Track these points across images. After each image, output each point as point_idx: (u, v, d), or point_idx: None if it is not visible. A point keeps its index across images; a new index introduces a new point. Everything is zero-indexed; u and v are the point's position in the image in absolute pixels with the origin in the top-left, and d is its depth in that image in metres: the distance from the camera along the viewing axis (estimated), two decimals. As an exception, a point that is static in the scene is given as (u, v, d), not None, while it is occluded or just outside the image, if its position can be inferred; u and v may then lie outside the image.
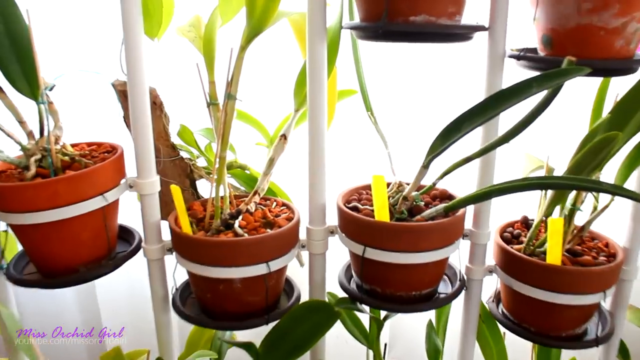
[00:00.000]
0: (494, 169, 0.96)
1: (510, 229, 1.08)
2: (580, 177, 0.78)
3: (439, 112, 1.31)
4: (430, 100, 1.33)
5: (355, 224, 0.92)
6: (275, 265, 0.92)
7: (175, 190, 0.90)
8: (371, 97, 1.04)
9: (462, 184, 1.10)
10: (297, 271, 1.08)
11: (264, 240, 0.90)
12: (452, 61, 1.30)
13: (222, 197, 0.94)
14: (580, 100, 1.11)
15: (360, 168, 1.34)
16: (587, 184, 0.77)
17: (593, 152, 0.84)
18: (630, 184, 0.98)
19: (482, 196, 0.87)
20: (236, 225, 0.92)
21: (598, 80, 1.03)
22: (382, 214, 0.89)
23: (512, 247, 1.00)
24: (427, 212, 0.93)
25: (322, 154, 0.94)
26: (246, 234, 0.91)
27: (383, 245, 0.90)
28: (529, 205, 1.08)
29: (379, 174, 0.90)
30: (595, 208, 1.01)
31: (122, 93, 0.94)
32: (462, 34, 0.85)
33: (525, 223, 1.10)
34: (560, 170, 1.06)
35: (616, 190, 0.74)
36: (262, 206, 1.02)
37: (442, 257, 0.92)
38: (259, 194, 0.99)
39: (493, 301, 1.10)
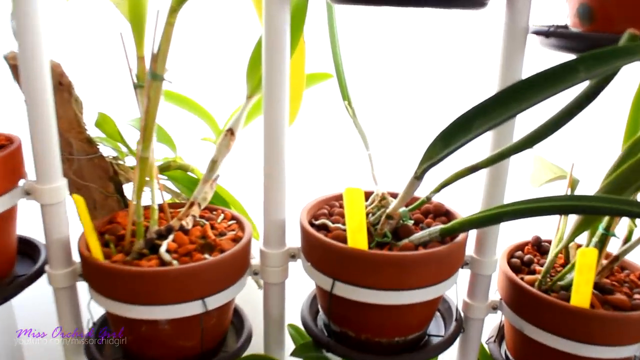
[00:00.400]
0: (506, 182, 0.74)
1: (520, 252, 0.86)
2: (633, 200, 0.56)
3: (438, 105, 1.07)
4: (427, 89, 1.08)
5: (322, 250, 0.70)
6: (214, 302, 0.70)
7: (78, 200, 0.66)
8: (351, 83, 0.81)
9: (461, 195, 0.87)
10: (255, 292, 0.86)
11: (198, 271, 0.67)
12: (458, 39, 1.06)
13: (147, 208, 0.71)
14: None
15: (334, 174, 1.10)
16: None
17: (645, 163, 0.63)
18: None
19: (490, 219, 0.65)
20: (162, 249, 0.68)
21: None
22: (357, 239, 0.66)
23: (523, 279, 0.78)
24: (418, 235, 0.70)
25: (280, 155, 0.71)
26: (175, 261, 0.68)
27: (358, 279, 0.67)
28: (540, 220, 0.86)
29: (356, 184, 0.68)
30: (631, 232, 0.79)
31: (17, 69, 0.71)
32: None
33: (538, 245, 0.88)
34: (586, 182, 0.84)
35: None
36: (204, 220, 0.79)
37: (435, 296, 0.70)
38: (198, 206, 0.76)
39: (495, 341, 0.88)
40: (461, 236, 0.70)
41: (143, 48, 0.68)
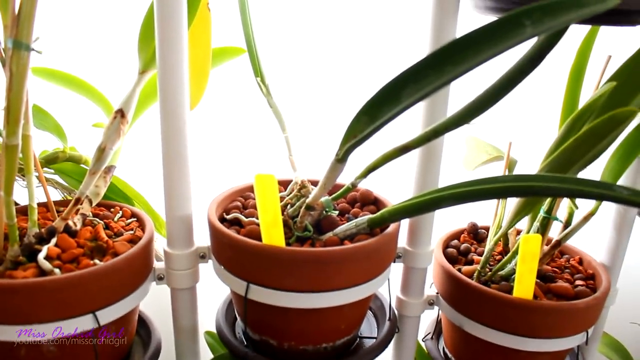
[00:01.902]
0: (440, 164, 0.66)
1: (455, 241, 0.79)
2: (591, 180, 0.49)
3: (366, 79, 0.98)
4: (352, 60, 0.99)
5: (233, 249, 0.60)
6: (109, 315, 0.59)
7: None
8: (265, 57, 0.71)
9: (392, 181, 0.79)
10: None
11: (85, 280, 0.56)
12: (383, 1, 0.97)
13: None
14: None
15: (250, 160, 1.00)
16: (602, 191, 0.47)
17: (591, 137, 0.56)
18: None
19: (425, 206, 0.57)
20: (41, 255, 0.57)
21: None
22: (272, 234, 0.57)
23: (460, 271, 0.71)
24: (343, 227, 0.62)
25: (181, 141, 0.61)
26: (57, 269, 0.56)
27: (275, 281, 0.58)
28: (475, 205, 0.78)
29: (269, 170, 0.58)
30: (571, 215, 0.73)
31: None
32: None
33: (475, 232, 0.82)
34: (524, 162, 0.78)
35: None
36: (98, 219, 0.68)
37: (364, 296, 0.62)
38: (89, 202, 0.65)
39: (432, 338, 0.81)
40: (392, 227, 0.62)
41: (8, 15, 0.56)
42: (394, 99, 0.47)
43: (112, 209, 0.72)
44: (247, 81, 0.72)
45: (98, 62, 0.87)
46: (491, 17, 0.59)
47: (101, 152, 0.60)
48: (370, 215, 0.61)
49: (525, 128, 0.99)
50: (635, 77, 0.59)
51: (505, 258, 0.69)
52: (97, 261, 0.59)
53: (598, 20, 0.58)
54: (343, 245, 0.58)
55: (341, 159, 0.54)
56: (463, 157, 0.88)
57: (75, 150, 0.78)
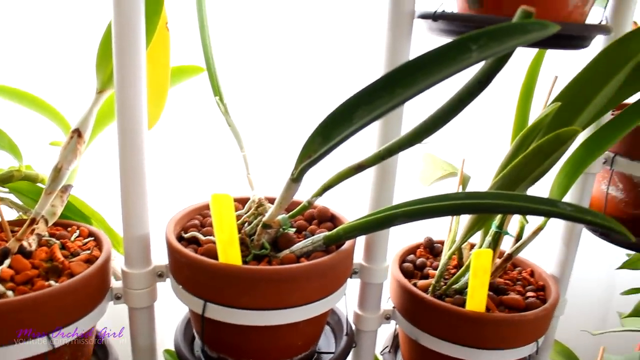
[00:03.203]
0: (395, 181, 0.67)
1: (412, 256, 0.81)
2: (537, 197, 0.51)
3: (323, 99, 1.00)
4: (310, 80, 1.01)
5: (190, 268, 0.60)
6: (63, 338, 0.58)
7: None
8: (224, 77, 0.72)
9: (349, 198, 0.81)
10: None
11: (38, 301, 0.55)
12: (342, 25, 0.99)
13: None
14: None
15: (210, 179, 1.00)
16: (547, 207, 0.50)
17: (538, 155, 0.58)
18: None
19: (379, 223, 0.58)
20: (-7, 276, 0.56)
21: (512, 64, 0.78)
22: (229, 253, 0.58)
23: (416, 285, 0.72)
24: (300, 245, 0.63)
25: (138, 160, 0.61)
26: (10, 291, 0.56)
27: (232, 300, 0.58)
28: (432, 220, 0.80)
29: (226, 189, 0.59)
30: (522, 229, 0.75)
31: None
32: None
33: (430, 247, 0.83)
34: (477, 178, 0.80)
35: (599, 220, 0.47)
36: (54, 239, 0.67)
37: (321, 312, 0.62)
38: (45, 222, 0.64)
39: (390, 351, 0.82)
40: (348, 244, 0.63)
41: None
42: (346, 120, 0.48)
43: (69, 229, 0.72)
44: (207, 100, 0.72)
45: (56, 80, 0.86)
46: (445, 39, 0.62)
47: (57, 172, 0.60)
48: (326, 233, 0.62)
49: (480, 145, 1.02)
50: (578, 97, 0.61)
51: (459, 272, 0.71)
52: (52, 282, 0.58)
53: (543, 44, 0.61)
54: (299, 263, 0.59)
55: (296, 179, 0.55)
56: (420, 173, 0.91)
57: (31, 168, 0.77)
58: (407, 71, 0.46)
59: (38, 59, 0.88)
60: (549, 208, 0.51)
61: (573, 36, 0.59)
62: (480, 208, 0.54)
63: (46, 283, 0.58)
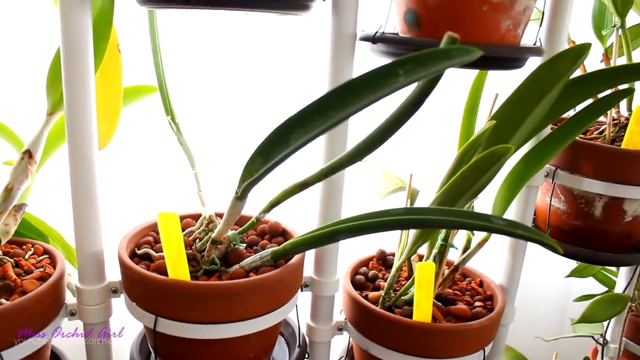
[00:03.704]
0: (342, 197, 0.70)
1: (364, 268, 0.83)
2: (471, 212, 0.53)
3: (270, 116, 1.02)
4: (259, 99, 1.04)
5: (141, 284, 0.62)
6: (15, 354, 0.59)
7: None
8: (176, 96, 0.74)
9: (304, 211, 0.83)
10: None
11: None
12: (288, 44, 1.02)
13: None
14: (437, 103, 0.88)
15: (164, 197, 1.01)
16: (480, 222, 0.52)
17: (475, 171, 0.61)
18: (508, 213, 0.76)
19: (324, 238, 0.60)
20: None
21: (459, 81, 0.82)
22: (178, 269, 0.59)
23: (366, 297, 0.74)
24: (249, 260, 0.64)
25: (90, 180, 0.62)
26: (-40, 310, 0.57)
27: (182, 314, 0.60)
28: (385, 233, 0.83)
29: (174, 208, 0.61)
30: (469, 241, 0.78)
31: None
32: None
33: (383, 259, 0.86)
34: (425, 191, 0.83)
35: (530, 234, 0.50)
36: (7, 258, 0.68)
37: (270, 325, 0.64)
38: (-2, 241, 0.65)
39: (345, 363, 0.84)
40: (296, 258, 0.65)
41: None
42: (283, 141, 0.50)
43: (24, 247, 0.73)
44: (160, 119, 0.74)
45: (11, 100, 0.87)
46: (385, 60, 0.64)
47: (8, 192, 0.61)
48: (274, 248, 0.64)
49: (430, 159, 1.05)
50: (514, 115, 0.64)
51: (407, 284, 0.73)
52: (3, 300, 0.59)
53: (476, 65, 0.63)
54: (247, 278, 0.61)
55: (240, 197, 0.57)
56: (375, 187, 0.93)
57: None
58: (339, 95, 0.48)
59: None
60: (482, 223, 0.53)
61: (506, 58, 0.62)
62: (418, 223, 0.57)
63: (-2, 301, 0.59)
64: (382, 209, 0.59)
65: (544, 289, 1.32)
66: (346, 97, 0.48)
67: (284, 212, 0.69)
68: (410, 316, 0.69)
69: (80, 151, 0.61)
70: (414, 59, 0.47)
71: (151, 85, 0.77)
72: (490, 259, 0.87)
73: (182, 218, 0.74)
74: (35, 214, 0.79)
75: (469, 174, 0.62)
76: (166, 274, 0.61)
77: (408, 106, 0.52)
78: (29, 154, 0.62)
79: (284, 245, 0.63)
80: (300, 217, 0.82)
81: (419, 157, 1.05)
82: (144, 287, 0.61)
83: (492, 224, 0.54)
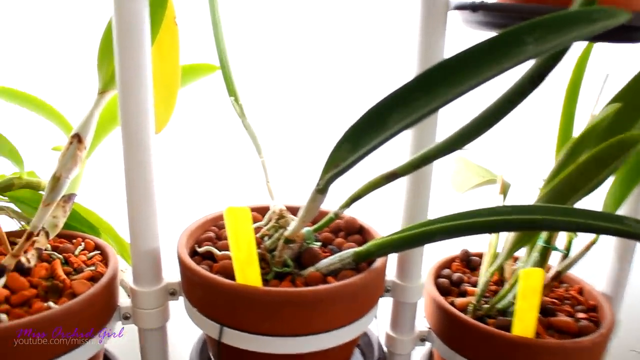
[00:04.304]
0: (430, 191, 0.61)
1: (447, 270, 0.74)
2: (599, 212, 0.44)
3: (350, 101, 0.93)
4: (337, 81, 0.94)
5: (204, 288, 0.54)
6: (63, 365, 0.53)
7: None
8: (240, 75, 0.66)
9: (379, 205, 0.74)
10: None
11: (36, 327, 0.49)
12: (371, 19, 0.92)
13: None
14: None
15: (226, 186, 0.93)
16: (612, 225, 0.43)
17: (595, 164, 0.51)
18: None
19: (416, 239, 0.52)
20: (-15, 299, 0.51)
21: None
22: (247, 273, 0.51)
23: (453, 304, 0.65)
24: (326, 262, 0.56)
25: (145, 167, 0.55)
26: (4, 315, 0.50)
27: (251, 325, 0.52)
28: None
29: (243, 201, 0.53)
30: (570, 243, 0.68)
31: None
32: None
33: (467, 260, 0.76)
34: (517, 185, 0.73)
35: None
36: (56, 253, 0.62)
37: (350, 339, 0.56)
38: (46, 235, 0.59)
39: (423, 373, 0.76)
40: (379, 261, 0.56)
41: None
42: (380, 124, 0.42)
43: (74, 240, 0.66)
44: (221, 101, 0.66)
45: (59, 81, 0.81)
46: (485, 33, 0.55)
47: (56, 181, 0.54)
48: (356, 249, 0.55)
49: (517, 149, 0.94)
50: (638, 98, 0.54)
51: (503, 291, 0.64)
52: (51, 304, 0.53)
53: (608, 37, 0.54)
54: (327, 284, 0.52)
55: (322, 190, 0.49)
56: (452, 179, 0.83)
57: (34, 175, 0.72)
58: (450, 68, 0.39)
59: (39, 58, 0.83)
60: (614, 226, 0.44)
61: (632, 27, 0.52)
62: (533, 225, 0.48)
63: (45, 305, 0.53)
64: (483, 208, 0.50)
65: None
66: (461, 71, 0.39)
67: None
68: (507, 328, 0.60)
69: (134, 135, 0.53)
70: (543, 24, 0.38)
71: (211, 64, 0.70)
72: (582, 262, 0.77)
73: (246, 212, 0.66)
74: (85, 204, 0.73)
75: (587, 166, 0.52)
76: (232, 277, 0.53)
77: (525, 84, 0.43)
78: (78, 139, 0.55)
79: (367, 246, 0.54)
80: (367, 211, 0.73)
81: (500, 145, 0.94)
82: (208, 291, 0.54)
83: (626, 227, 0.44)
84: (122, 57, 0.51)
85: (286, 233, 0.55)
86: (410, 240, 0.51)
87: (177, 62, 0.64)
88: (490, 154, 0.80)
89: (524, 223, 0.47)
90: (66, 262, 0.61)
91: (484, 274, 0.67)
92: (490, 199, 0.73)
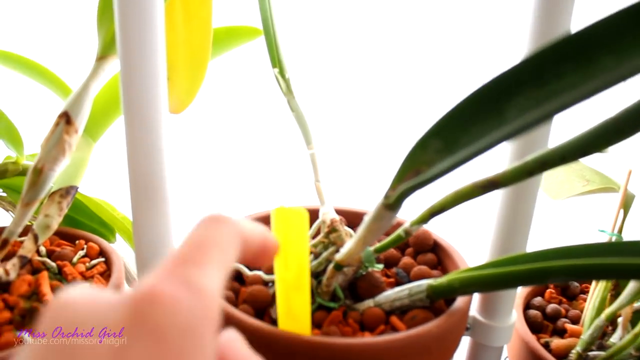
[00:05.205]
0: (534, 210, 0.45)
1: (539, 299, 0.58)
2: None
3: (425, 86, 0.77)
4: (410, 58, 0.78)
5: (229, 325, 0.40)
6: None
7: None
8: (288, 42, 0.52)
9: (453, 217, 0.59)
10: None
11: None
12: None
13: None
14: None
15: (259, 182, 0.79)
16: None
17: None
18: None
19: (525, 277, 0.36)
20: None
21: None
22: (294, 301, 0.37)
23: (549, 347, 0.50)
24: (390, 294, 0.42)
25: (156, 162, 0.41)
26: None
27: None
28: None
29: (289, 201, 0.38)
30: None
31: None
32: None
33: (564, 287, 0.61)
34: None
35: None
36: (49, 261, 0.49)
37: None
38: (34, 239, 0.46)
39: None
40: (462, 301, 0.41)
41: None
42: (492, 115, 0.26)
43: (76, 242, 0.54)
44: (259, 77, 0.52)
45: (64, 48, 0.68)
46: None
47: (37, 174, 0.41)
48: (431, 282, 0.40)
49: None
50: None
51: (625, 340, 0.48)
52: (25, 337, 0.40)
53: None
54: (395, 333, 0.38)
55: (392, 205, 0.34)
56: (546, 181, 0.67)
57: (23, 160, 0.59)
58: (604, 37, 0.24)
59: (41, 21, 0.71)
60: None
61: None
62: None
63: (17, 336, 0.40)
64: (623, 241, 0.34)
65: None
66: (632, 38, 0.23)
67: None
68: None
69: (139, 118, 0.40)
70: None
71: (253, 27, 0.55)
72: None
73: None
74: (99, 197, 0.60)
75: None
76: (264, 307, 0.39)
77: None
78: (66, 119, 0.41)
79: (449, 279, 0.39)
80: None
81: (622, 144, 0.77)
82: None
83: None
84: (123, 11, 0.37)
85: (338, 256, 0.40)
86: (515, 277, 0.36)
87: (209, 24, 0.50)
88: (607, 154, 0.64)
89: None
90: (59, 272, 0.49)
91: (593, 309, 0.52)
92: (600, 211, 0.57)
